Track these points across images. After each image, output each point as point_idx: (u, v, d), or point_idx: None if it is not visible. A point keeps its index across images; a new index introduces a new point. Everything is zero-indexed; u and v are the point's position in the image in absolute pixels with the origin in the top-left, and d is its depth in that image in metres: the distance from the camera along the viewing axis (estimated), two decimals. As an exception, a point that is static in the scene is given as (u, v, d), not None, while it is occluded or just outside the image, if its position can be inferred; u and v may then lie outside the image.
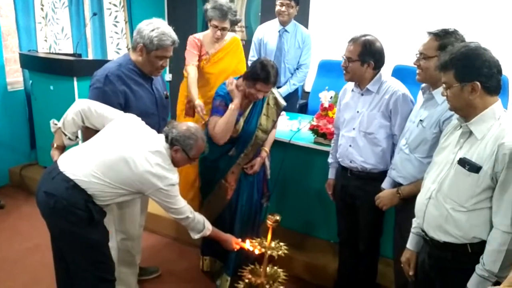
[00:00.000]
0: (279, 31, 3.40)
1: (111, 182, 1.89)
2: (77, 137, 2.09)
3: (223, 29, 2.82)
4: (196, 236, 2.16)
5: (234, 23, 2.89)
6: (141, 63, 2.14)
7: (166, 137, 2.00)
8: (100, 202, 1.92)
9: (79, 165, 1.89)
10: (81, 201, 1.86)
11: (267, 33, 3.44)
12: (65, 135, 2.03)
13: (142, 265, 2.62)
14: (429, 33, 1.85)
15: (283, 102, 2.51)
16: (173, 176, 1.98)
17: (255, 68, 2.24)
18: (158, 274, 2.76)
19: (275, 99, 2.47)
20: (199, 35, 2.97)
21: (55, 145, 2.06)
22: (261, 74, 2.21)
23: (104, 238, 2.02)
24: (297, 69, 3.56)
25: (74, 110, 2.02)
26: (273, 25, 3.46)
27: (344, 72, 2.14)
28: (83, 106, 2.02)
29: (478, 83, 1.46)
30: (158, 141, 2.00)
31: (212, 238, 2.23)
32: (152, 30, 2.05)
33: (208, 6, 2.82)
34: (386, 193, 2.06)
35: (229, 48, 2.98)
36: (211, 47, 2.93)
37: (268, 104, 2.45)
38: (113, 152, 1.91)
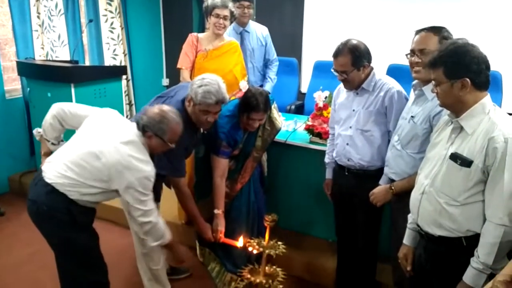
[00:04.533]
0: (240, 33, 3.44)
1: (84, 181, 1.86)
2: (61, 141, 2.10)
3: (225, 17, 2.91)
4: (152, 243, 2.04)
5: (233, 15, 2.99)
6: (190, 112, 2.20)
7: (138, 124, 1.93)
8: (82, 203, 1.89)
9: (54, 168, 1.88)
10: (61, 204, 1.85)
11: (229, 35, 3.42)
12: (48, 141, 2.04)
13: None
14: (421, 30, 1.86)
15: (279, 125, 2.59)
16: (147, 168, 1.89)
17: (245, 99, 2.32)
18: (189, 274, 2.78)
19: (272, 122, 2.55)
20: (198, 34, 3.05)
21: (42, 153, 2.09)
22: (251, 103, 2.28)
23: (93, 241, 1.99)
24: (270, 65, 3.61)
25: (50, 115, 2.03)
26: (231, 28, 3.48)
27: (343, 84, 2.17)
28: (57, 109, 2.02)
29: (467, 79, 1.48)
30: (130, 130, 1.94)
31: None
32: (200, 87, 2.11)
33: (207, 1, 2.94)
34: (379, 189, 2.08)
35: (227, 48, 3.04)
36: (209, 44, 2.99)
37: (264, 126, 2.53)
38: (83, 148, 1.88)
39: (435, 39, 1.82)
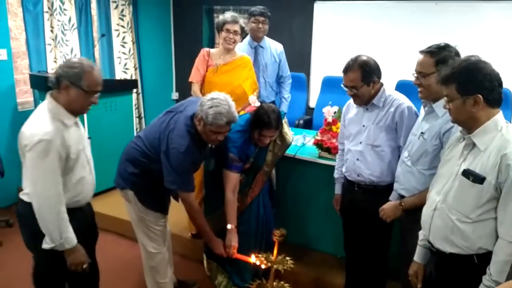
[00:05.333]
0: (254, 47, 3.48)
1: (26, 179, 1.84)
2: None
3: (235, 32, 2.96)
4: (47, 244, 1.81)
5: (243, 30, 3.05)
6: (200, 131, 2.19)
7: (52, 82, 1.80)
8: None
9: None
10: (25, 212, 1.84)
11: (242, 51, 3.46)
12: None
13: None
14: (422, 51, 1.89)
15: (290, 140, 2.61)
16: (41, 130, 1.71)
17: (257, 116, 2.34)
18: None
19: (283, 136, 2.57)
20: (210, 49, 3.11)
21: None
22: (263, 120, 2.30)
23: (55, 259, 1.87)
24: (282, 82, 3.65)
25: None
26: (246, 42, 3.53)
27: (353, 99, 2.18)
28: None
29: (480, 96, 1.49)
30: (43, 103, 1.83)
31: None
32: (210, 107, 2.10)
33: (219, 17, 3.01)
34: (389, 205, 2.07)
35: (239, 63, 3.09)
36: (220, 59, 3.04)
37: (275, 141, 2.54)
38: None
39: (431, 62, 1.84)
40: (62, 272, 1.96)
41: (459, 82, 1.51)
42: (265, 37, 3.52)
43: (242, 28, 3.02)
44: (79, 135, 1.90)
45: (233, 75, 3.04)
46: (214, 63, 3.02)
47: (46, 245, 1.81)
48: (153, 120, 2.39)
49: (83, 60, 1.82)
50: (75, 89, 1.77)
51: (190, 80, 3.05)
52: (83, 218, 1.97)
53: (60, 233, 1.78)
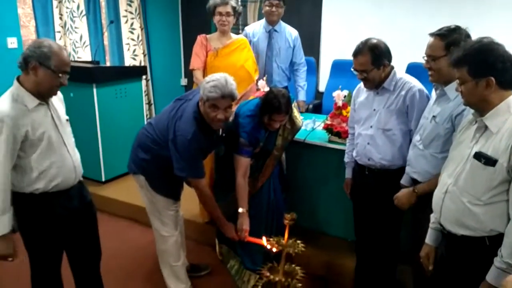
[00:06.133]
0: (268, 31, 3.44)
1: None
2: None
3: (227, 14, 2.95)
4: None
5: (236, 11, 3.01)
6: (203, 112, 2.18)
7: (20, 64, 1.78)
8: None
9: None
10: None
11: (257, 33, 3.48)
12: None
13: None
14: (432, 34, 1.86)
15: (300, 124, 2.60)
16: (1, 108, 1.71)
17: (267, 100, 2.32)
18: (208, 271, 2.83)
19: (293, 120, 2.56)
20: (206, 35, 3.09)
21: None
22: (273, 105, 2.28)
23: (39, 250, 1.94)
24: (296, 69, 3.60)
25: None
26: (261, 25, 3.50)
27: (364, 83, 2.17)
28: None
29: (492, 78, 1.47)
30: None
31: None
32: (208, 82, 2.11)
33: (210, 2, 2.98)
34: (403, 193, 2.06)
35: (237, 45, 3.08)
36: (218, 43, 3.03)
37: (285, 125, 2.54)
38: None
39: (441, 45, 1.82)
40: (54, 254, 2.00)
41: (470, 64, 1.49)
42: (281, 21, 3.47)
43: (234, 8, 2.98)
44: (46, 118, 1.86)
45: (234, 58, 3.03)
46: (213, 47, 3.01)
47: None
48: (164, 107, 2.41)
49: (50, 41, 1.81)
50: (43, 69, 1.76)
51: (191, 67, 3.04)
52: (68, 202, 1.95)
53: None
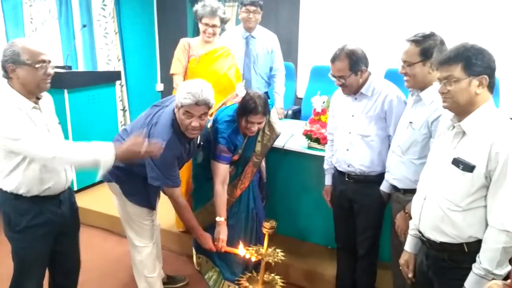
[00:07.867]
0: (246, 38, 3.40)
1: None
2: None
3: (214, 26, 2.87)
4: None
5: (223, 21, 2.95)
6: (178, 120, 2.10)
7: (2, 72, 1.80)
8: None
9: None
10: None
11: (233, 40, 3.40)
12: None
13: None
14: (407, 40, 1.87)
15: (279, 130, 2.56)
16: None
17: (243, 102, 2.29)
18: (186, 283, 2.75)
19: (271, 127, 2.53)
20: (189, 39, 3.01)
21: None
22: (249, 106, 2.25)
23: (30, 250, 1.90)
24: (274, 75, 3.55)
25: None
26: (238, 31, 3.44)
27: (342, 89, 2.16)
28: None
29: (486, 77, 1.46)
30: None
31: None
32: (183, 88, 2.04)
33: (198, 7, 2.89)
34: (399, 219, 2.00)
35: (220, 52, 3.00)
36: (201, 48, 2.95)
37: (263, 131, 2.50)
38: None
39: (416, 51, 1.82)
40: (40, 261, 1.96)
41: (468, 60, 1.46)
42: (258, 26, 3.44)
43: (222, 19, 2.91)
44: (39, 120, 1.85)
45: (217, 65, 2.96)
46: (196, 52, 2.94)
47: None
48: (139, 113, 2.34)
49: (19, 39, 1.80)
50: (20, 68, 1.74)
51: (171, 72, 2.95)
52: (57, 207, 1.94)
53: None
